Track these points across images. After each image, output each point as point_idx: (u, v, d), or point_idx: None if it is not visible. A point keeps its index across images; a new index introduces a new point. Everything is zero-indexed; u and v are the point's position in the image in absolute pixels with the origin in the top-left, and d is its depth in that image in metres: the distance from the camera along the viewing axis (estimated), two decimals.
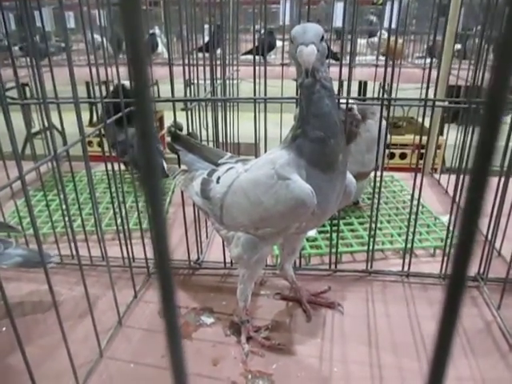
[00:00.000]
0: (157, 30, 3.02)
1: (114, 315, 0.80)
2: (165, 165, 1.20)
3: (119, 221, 0.87)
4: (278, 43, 2.82)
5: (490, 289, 0.89)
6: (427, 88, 0.86)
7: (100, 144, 0.81)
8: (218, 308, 0.86)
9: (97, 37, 1.18)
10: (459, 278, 0.20)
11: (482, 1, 1.22)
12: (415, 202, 0.89)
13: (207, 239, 1.08)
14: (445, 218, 1.15)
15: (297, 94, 0.87)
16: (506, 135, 0.82)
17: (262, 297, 0.89)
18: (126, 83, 1.20)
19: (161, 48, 2.96)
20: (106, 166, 0.85)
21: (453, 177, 0.92)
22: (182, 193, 0.89)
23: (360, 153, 1.07)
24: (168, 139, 0.88)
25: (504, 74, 0.17)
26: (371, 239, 0.94)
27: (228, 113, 1.31)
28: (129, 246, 0.89)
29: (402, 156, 2.29)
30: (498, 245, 0.93)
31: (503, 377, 0.70)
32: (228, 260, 0.95)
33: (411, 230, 0.93)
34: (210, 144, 1.04)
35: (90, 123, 2.91)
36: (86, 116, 2.93)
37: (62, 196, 0.75)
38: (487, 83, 0.17)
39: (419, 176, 0.89)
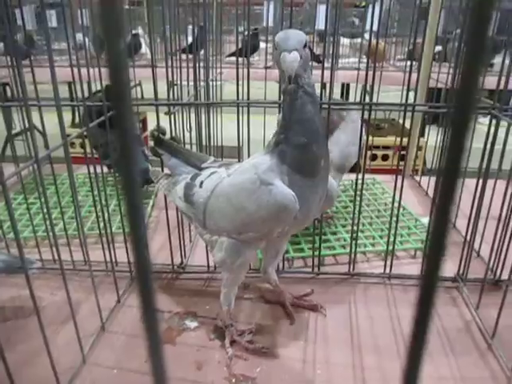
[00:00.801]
0: (140, 30, 2.99)
1: (96, 320, 0.80)
2: (150, 168, 1.20)
3: (102, 224, 0.86)
4: (262, 45, 2.82)
5: (469, 289, 0.91)
6: (407, 92, 0.87)
7: (83, 145, 0.80)
8: (201, 312, 0.86)
9: (79, 36, 1.17)
10: (431, 278, 0.20)
11: (460, 4, 1.25)
12: (396, 205, 0.91)
13: (191, 243, 1.08)
14: (425, 220, 1.17)
15: (280, 97, 0.88)
16: (484, 138, 0.84)
17: (246, 300, 0.89)
18: None
19: (144, 48, 2.94)
20: (89, 169, 0.84)
21: (433, 178, 0.94)
22: (165, 197, 0.89)
23: (345, 145, 1.06)
24: (151, 143, 0.87)
25: (472, 77, 0.17)
26: (353, 242, 0.95)
27: (211, 116, 1.31)
28: (112, 250, 0.88)
29: (384, 158, 2.32)
30: (476, 246, 0.95)
31: (482, 375, 0.72)
32: (211, 264, 0.95)
33: (392, 232, 0.94)
34: (194, 147, 1.04)
35: (73, 124, 2.88)
36: (68, 116, 2.89)
37: (43, 199, 0.74)
38: (457, 86, 0.17)
39: (400, 178, 0.90)
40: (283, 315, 0.85)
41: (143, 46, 2.92)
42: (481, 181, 0.85)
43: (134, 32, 2.80)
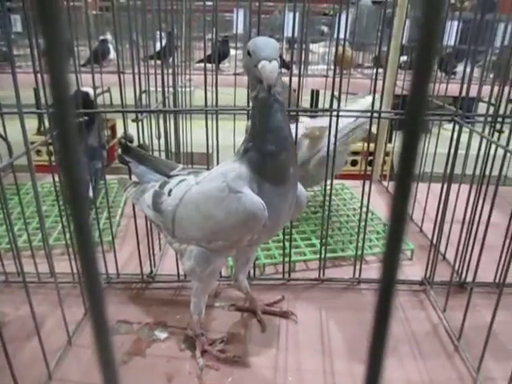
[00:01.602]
0: (108, 36, 2.95)
1: (63, 334, 0.77)
2: (90, 187, 1.16)
3: (68, 235, 0.84)
4: (232, 51, 2.83)
5: (436, 292, 0.93)
6: (373, 100, 0.88)
7: (50, 153, 0.78)
8: (171, 322, 0.84)
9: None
10: (388, 282, 0.20)
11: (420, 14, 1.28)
12: (365, 209, 0.92)
13: (160, 252, 1.06)
14: None
15: (248, 104, 0.88)
16: (448, 143, 0.86)
17: (217, 309, 0.89)
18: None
19: (113, 54, 2.90)
20: (54, 178, 0.82)
21: None
22: (133, 205, 0.88)
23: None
24: (119, 151, 0.86)
25: (422, 83, 0.17)
26: (323, 247, 0.96)
27: (180, 122, 1.30)
28: (78, 261, 0.86)
29: (353, 163, 2.35)
30: (442, 249, 0.98)
31: (450, 377, 0.73)
32: (182, 273, 0.94)
33: (361, 236, 0.95)
34: (163, 154, 1.03)
35: (39, 131, 2.80)
36: (34, 123, 2.81)
37: (5, 210, 0.72)
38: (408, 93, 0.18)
39: (368, 183, 0.92)
40: (255, 323, 0.85)
41: (112, 51, 2.88)
42: (445, 185, 0.87)
43: (102, 38, 2.77)
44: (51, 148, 0.80)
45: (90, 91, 1.16)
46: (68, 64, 0.18)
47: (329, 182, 0.92)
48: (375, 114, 0.86)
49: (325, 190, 0.91)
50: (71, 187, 0.18)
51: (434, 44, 0.16)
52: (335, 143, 0.84)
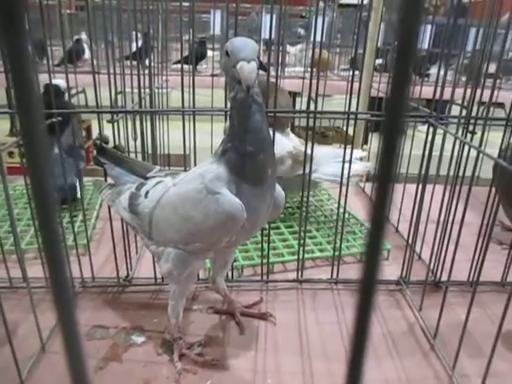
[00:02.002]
0: (83, 36, 2.91)
1: (36, 341, 0.75)
2: (77, 185, 1.15)
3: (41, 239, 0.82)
4: (209, 53, 2.82)
5: (412, 291, 0.94)
6: (350, 100, 0.89)
7: (22, 155, 0.76)
8: (149, 326, 0.83)
9: None
10: (369, 283, 0.20)
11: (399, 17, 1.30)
12: (342, 210, 0.93)
13: (137, 255, 1.05)
14: None
15: (226, 105, 0.87)
16: (423, 145, 0.88)
17: (195, 312, 0.88)
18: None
19: (88, 54, 2.85)
20: (26, 180, 0.80)
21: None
22: (109, 207, 0.86)
23: None
24: (94, 152, 0.84)
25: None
26: (301, 248, 0.96)
27: (157, 124, 1.28)
28: (47, 267, 0.83)
29: None
30: (418, 249, 0.99)
31: (426, 375, 0.74)
32: (159, 276, 0.92)
33: (339, 237, 0.96)
34: (139, 156, 1.01)
35: (11, 132, 2.73)
36: (6, 124, 2.74)
37: None
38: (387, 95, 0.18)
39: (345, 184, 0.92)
40: (233, 325, 0.85)
41: (86, 51, 2.83)
42: (420, 186, 0.88)
43: (77, 37, 2.72)
44: (23, 149, 0.78)
45: (61, 83, 1.14)
46: (32, 66, 0.17)
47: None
48: (351, 116, 0.86)
49: (302, 190, 0.91)
50: (39, 193, 0.18)
51: (412, 47, 0.16)
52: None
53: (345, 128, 0.95)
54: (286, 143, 1.12)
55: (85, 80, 1.50)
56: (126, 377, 0.71)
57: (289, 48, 2.91)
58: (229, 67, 0.62)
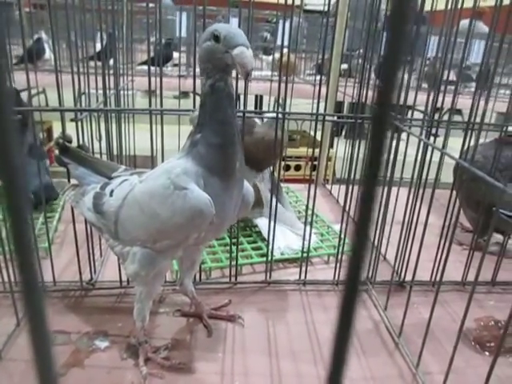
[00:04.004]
0: (43, 35, 2.82)
1: None
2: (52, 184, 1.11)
3: None
4: (175, 55, 2.79)
5: (378, 291, 0.96)
6: (318, 103, 0.90)
7: None
8: (113, 330, 0.81)
9: None
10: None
11: (363, 25, 1.33)
12: (310, 212, 0.93)
13: (101, 257, 1.02)
14: (337, 227, 1.22)
15: (194, 106, 0.86)
16: (388, 148, 0.90)
17: (161, 315, 0.86)
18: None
19: (48, 54, 2.76)
20: None
21: (343, 187, 0.98)
22: (72, 209, 0.83)
23: None
24: (56, 152, 0.82)
25: (387, 92, 0.18)
26: (269, 250, 0.96)
27: (123, 124, 1.26)
28: (10, 269, 0.80)
29: (297, 168, 2.39)
30: (383, 250, 1.01)
31: (391, 374, 0.75)
32: (124, 279, 0.90)
33: (307, 238, 0.96)
34: (104, 157, 0.99)
35: None
36: None
37: None
38: (372, 100, 0.18)
39: (313, 187, 0.93)
40: (201, 328, 0.83)
41: (47, 51, 2.74)
42: (386, 188, 0.90)
43: (37, 36, 2.63)
44: None
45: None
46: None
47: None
48: (320, 117, 0.87)
49: (271, 193, 0.92)
50: (11, 192, 0.17)
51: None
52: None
53: (312, 132, 0.97)
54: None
55: (44, 80, 1.46)
56: (89, 383, 0.69)
57: (261, 55, 2.94)
58: (218, 53, 0.61)
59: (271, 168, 1.17)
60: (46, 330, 0.19)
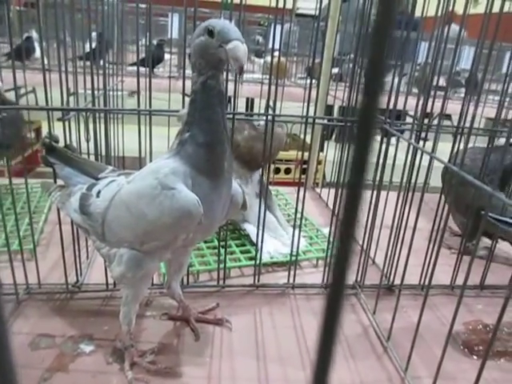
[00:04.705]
0: (34, 34, 2.79)
1: None
2: None
3: None
4: (166, 56, 2.79)
5: (366, 295, 0.96)
6: (308, 106, 0.90)
7: None
8: (98, 334, 0.79)
9: None
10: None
11: (354, 30, 1.33)
12: (299, 215, 0.93)
13: (87, 260, 1.00)
14: (326, 230, 1.22)
15: (183, 106, 0.86)
16: (377, 152, 0.90)
17: (148, 318, 0.85)
18: None
19: (38, 53, 2.74)
20: None
21: (332, 191, 0.98)
22: (58, 210, 0.82)
23: None
24: (43, 152, 0.80)
25: (372, 94, 0.17)
26: (258, 253, 0.96)
27: (112, 125, 1.24)
28: None
29: (287, 171, 2.39)
30: (372, 254, 1.01)
31: (379, 378, 0.75)
32: (111, 281, 0.89)
33: (295, 242, 0.96)
34: (92, 158, 0.98)
35: None
36: None
37: None
38: (359, 104, 0.18)
39: (302, 190, 0.93)
40: (188, 332, 0.82)
41: (37, 49, 2.72)
42: (375, 192, 0.90)
43: (27, 35, 2.61)
44: None
45: None
46: None
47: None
48: (310, 120, 0.87)
49: (260, 195, 0.91)
50: None
51: (383, 55, 0.17)
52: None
53: (302, 135, 0.96)
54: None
55: (34, 79, 1.44)
56: None
57: (253, 58, 2.94)
58: (211, 47, 0.60)
59: (260, 171, 1.17)
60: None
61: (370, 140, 0.18)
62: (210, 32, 0.60)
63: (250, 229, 1.09)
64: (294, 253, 0.97)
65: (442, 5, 0.84)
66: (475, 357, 0.81)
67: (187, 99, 0.66)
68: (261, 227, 0.93)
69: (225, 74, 0.67)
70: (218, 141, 0.63)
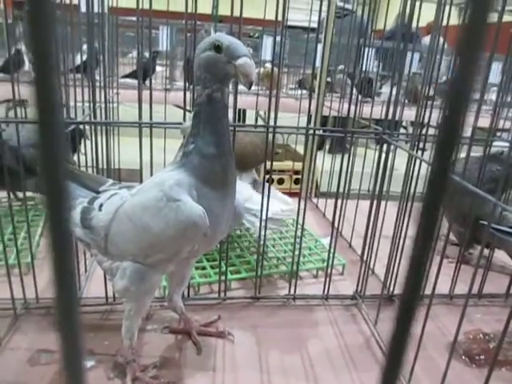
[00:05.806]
0: (23, 47, 2.78)
1: None
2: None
3: None
4: (158, 68, 2.79)
5: (367, 305, 0.96)
6: (308, 117, 0.91)
7: None
8: (99, 349, 0.78)
9: None
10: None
11: (348, 41, 1.35)
12: (299, 226, 0.93)
13: (86, 273, 0.99)
14: (324, 240, 1.22)
15: (184, 119, 0.86)
16: (376, 163, 0.90)
17: (149, 332, 0.84)
18: None
19: (28, 66, 2.72)
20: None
21: (330, 201, 0.98)
22: None
23: None
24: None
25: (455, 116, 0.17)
26: (259, 265, 0.95)
27: (110, 138, 1.24)
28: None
29: (280, 181, 2.39)
30: (371, 264, 1.01)
31: None
32: (110, 295, 0.88)
33: (296, 253, 0.96)
34: (90, 171, 0.97)
35: None
36: None
37: None
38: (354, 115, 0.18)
39: (299, 199, 0.93)
40: (190, 345, 0.81)
41: (26, 63, 2.70)
42: (375, 202, 0.91)
43: (17, 48, 2.59)
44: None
45: None
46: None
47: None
48: (310, 131, 0.88)
49: (261, 207, 0.91)
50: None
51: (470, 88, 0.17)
52: None
53: (296, 146, 0.97)
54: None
55: (26, 93, 1.43)
56: None
57: None
58: (220, 63, 0.61)
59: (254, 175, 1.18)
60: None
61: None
62: (218, 47, 0.60)
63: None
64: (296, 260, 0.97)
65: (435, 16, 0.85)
66: (474, 365, 0.81)
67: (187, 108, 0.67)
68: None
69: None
70: (223, 152, 0.64)
